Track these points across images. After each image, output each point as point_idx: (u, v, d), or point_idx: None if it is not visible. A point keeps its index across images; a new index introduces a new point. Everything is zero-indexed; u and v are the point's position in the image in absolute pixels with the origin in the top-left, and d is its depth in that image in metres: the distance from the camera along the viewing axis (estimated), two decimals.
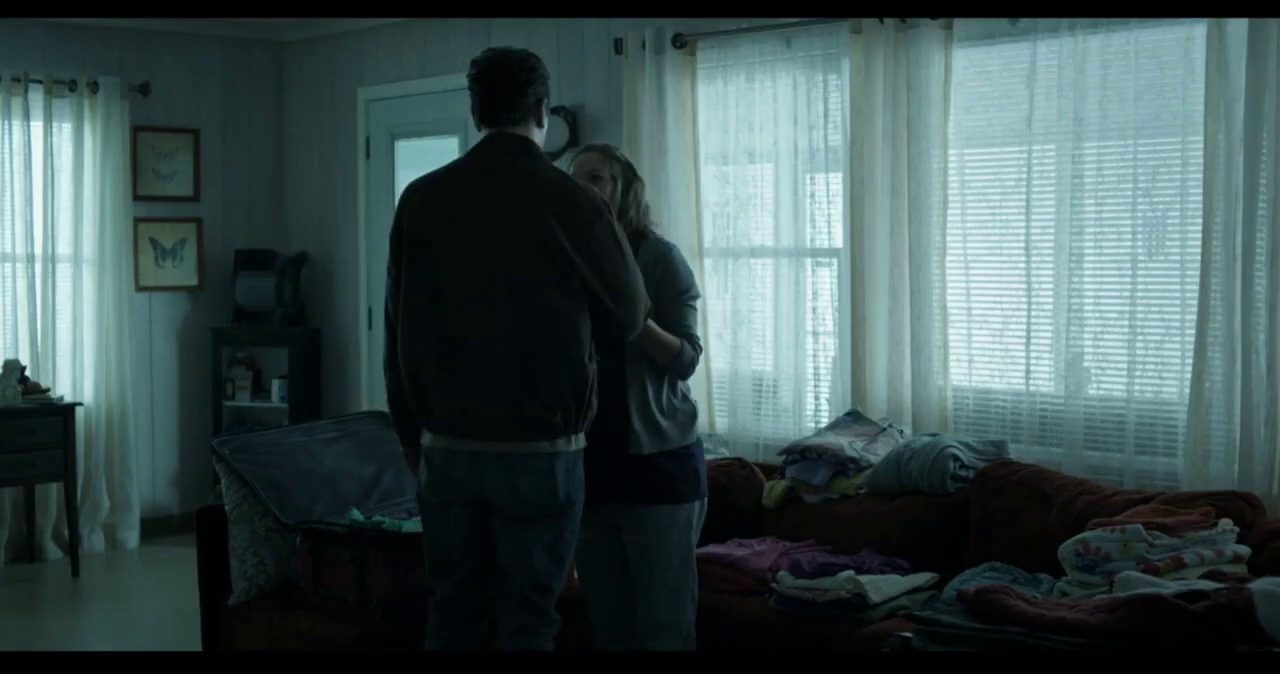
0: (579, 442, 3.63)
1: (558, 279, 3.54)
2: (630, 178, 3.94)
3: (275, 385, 7.67)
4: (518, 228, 3.54)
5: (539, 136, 3.75)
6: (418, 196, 3.68)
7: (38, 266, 7.03)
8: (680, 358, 3.84)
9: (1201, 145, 4.35)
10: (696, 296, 3.95)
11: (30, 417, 6.60)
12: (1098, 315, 4.72)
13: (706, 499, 3.99)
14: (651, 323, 3.78)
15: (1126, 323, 4.62)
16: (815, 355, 5.51)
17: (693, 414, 3.93)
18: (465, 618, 3.74)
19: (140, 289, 7.43)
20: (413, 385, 3.64)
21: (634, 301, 3.63)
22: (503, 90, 3.65)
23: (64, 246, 7.11)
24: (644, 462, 3.82)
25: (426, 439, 3.66)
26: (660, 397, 3.85)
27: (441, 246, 3.59)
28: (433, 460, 3.64)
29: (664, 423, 3.84)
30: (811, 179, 5.44)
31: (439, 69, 6.99)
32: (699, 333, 3.95)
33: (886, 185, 5.08)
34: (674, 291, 3.88)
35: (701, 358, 4.02)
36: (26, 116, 6.96)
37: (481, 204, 3.58)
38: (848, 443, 4.81)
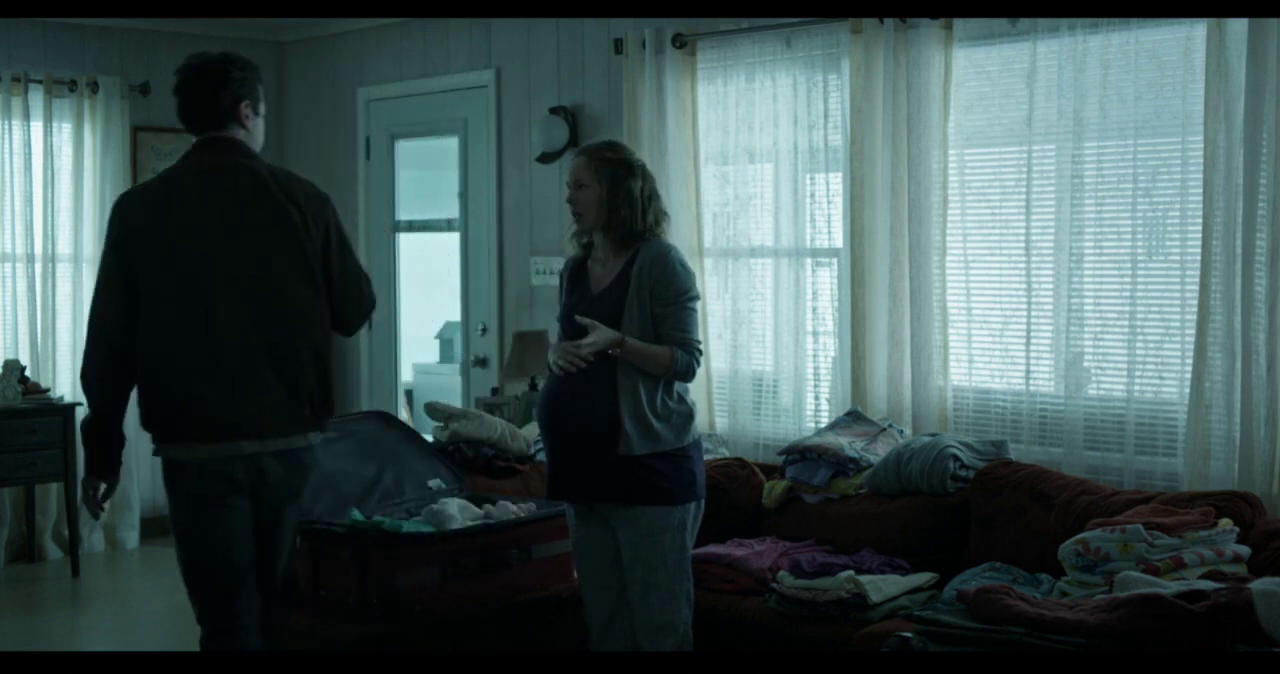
0: (319, 436, 3.76)
1: (301, 269, 3.63)
2: (619, 176, 3.91)
3: None
4: (256, 223, 3.61)
5: (246, 136, 3.74)
6: (141, 208, 3.67)
7: (38, 266, 7.03)
8: (672, 367, 3.84)
9: (1201, 145, 4.34)
10: (695, 298, 3.93)
11: (30, 417, 6.60)
12: (1098, 315, 4.72)
13: (703, 501, 3.98)
14: (632, 340, 3.80)
15: (1126, 323, 4.62)
16: (815, 355, 5.51)
17: (689, 415, 3.92)
18: (255, 628, 3.72)
19: None
20: (164, 397, 3.61)
21: (352, 299, 3.76)
22: (200, 95, 3.70)
23: (64, 246, 7.11)
24: (636, 462, 3.81)
25: (179, 452, 3.64)
26: (655, 398, 3.85)
27: (184, 253, 3.59)
28: (205, 468, 3.61)
29: (657, 425, 3.84)
30: (811, 179, 5.44)
31: (439, 69, 6.99)
32: (698, 335, 3.93)
33: (886, 185, 5.08)
34: (670, 294, 3.87)
35: (701, 358, 3.99)
36: (26, 116, 6.96)
37: (214, 205, 3.62)
38: (848, 443, 4.81)
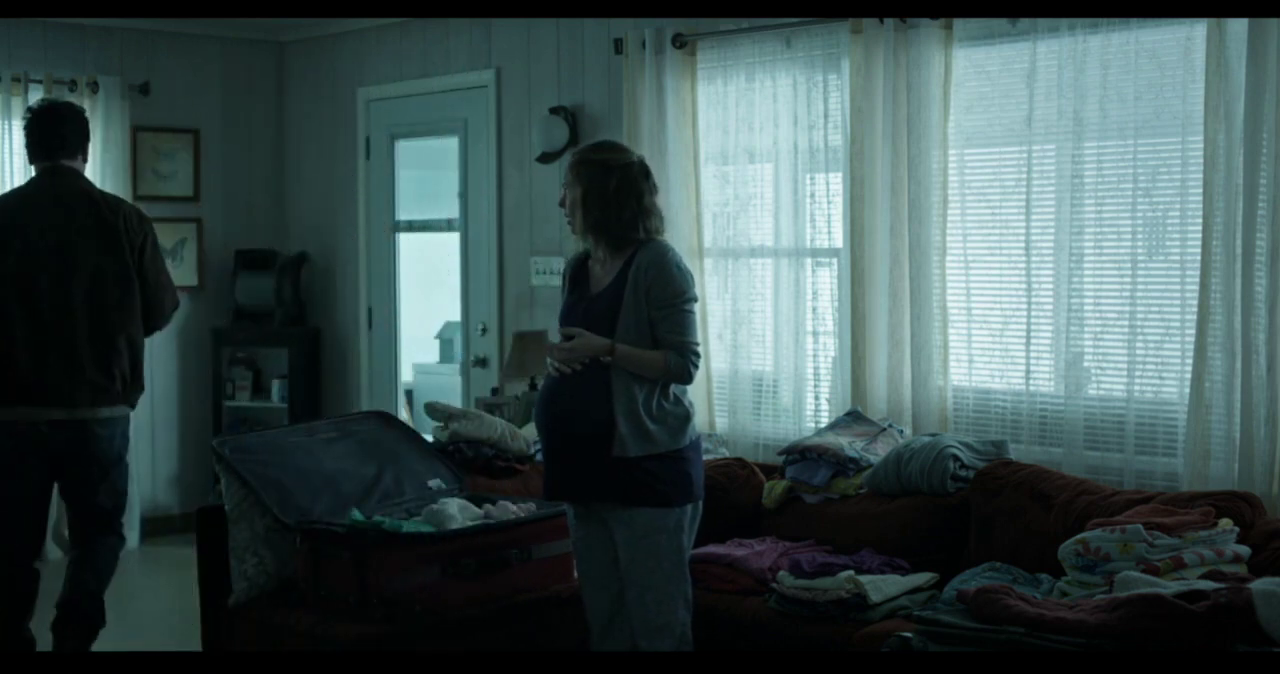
0: (129, 409, 4.78)
1: (121, 271, 4.68)
2: (594, 177, 3.89)
3: (275, 385, 7.67)
4: (89, 233, 4.67)
5: (82, 168, 4.88)
6: (5, 208, 4.75)
7: None
8: (668, 372, 3.83)
9: (1201, 145, 4.34)
10: (692, 301, 3.92)
11: None
12: (1098, 315, 4.72)
13: (701, 503, 3.98)
14: (623, 346, 3.80)
15: (1126, 323, 4.62)
16: (815, 355, 5.51)
17: (685, 417, 3.91)
18: (23, 566, 4.76)
19: None
20: None
21: (161, 297, 4.83)
22: (65, 131, 4.81)
23: None
24: (631, 464, 3.81)
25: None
26: (650, 400, 3.84)
27: (29, 249, 4.62)
28: (14, 429, 4.58)
29: (652, 426, 3.83)
30: (811, 179, 5.44)
31: (439, 69, 6.99)
32: (695, 337, 3.91)
33: (886, 185, 5.08)
34: (666, 297, 3.86)
35: (699, 360, 3.98)
36: None
37: (59, 216, 4.68)
38: (848, 443, 4.81)
